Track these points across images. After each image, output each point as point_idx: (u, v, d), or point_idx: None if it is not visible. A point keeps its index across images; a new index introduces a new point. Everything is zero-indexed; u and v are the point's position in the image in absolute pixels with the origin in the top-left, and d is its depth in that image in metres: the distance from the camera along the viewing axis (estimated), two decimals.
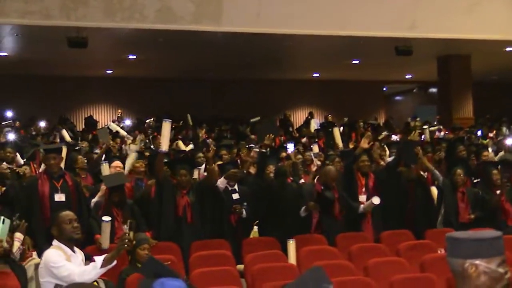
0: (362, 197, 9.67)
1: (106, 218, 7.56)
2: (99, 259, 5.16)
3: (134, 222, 5.64)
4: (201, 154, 11.54)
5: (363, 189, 9.74)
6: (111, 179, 8.81)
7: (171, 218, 8.88)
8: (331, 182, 9.36)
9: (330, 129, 15.14)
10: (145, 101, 24.32)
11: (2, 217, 4.94)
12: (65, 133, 14.36)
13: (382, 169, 10.35)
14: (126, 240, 5.24)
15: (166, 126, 8.92)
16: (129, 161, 10.20)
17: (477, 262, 2.89)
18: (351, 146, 13.90)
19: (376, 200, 9.16)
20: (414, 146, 10.79)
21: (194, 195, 9.04)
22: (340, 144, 13.02)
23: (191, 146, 14.53)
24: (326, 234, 9.21)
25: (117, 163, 9.69)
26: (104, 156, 11.13)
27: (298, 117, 27.25)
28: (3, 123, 17.49)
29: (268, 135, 10.00)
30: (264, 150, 10.11)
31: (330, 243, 8.99)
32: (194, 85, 24.44)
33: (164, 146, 8.91)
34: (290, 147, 12.94)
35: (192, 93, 24.29)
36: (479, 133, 18.33)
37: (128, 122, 19.67)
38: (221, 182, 9.44)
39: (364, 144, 10.00)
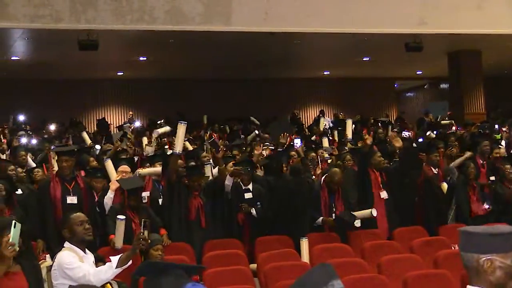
0: (384, 193, 9.63)
1: (121, 217, 7.57)
2: (114, 259, 5.14)
3: (148, 222, 5.61)
4: (205, 154, 11.55)
5: (380, 185, 9.67)
6: (128, 182, 8.78)
7: (183, 221, 8.89)
8: (334, 186, 9.34)
9: (340, 128, 15.13)
10: (156, 102, 24.33)
11: (14, 221, 4.93)
12: (85, 136, 14.35)
13: (392, 168, 10.27)
14: (141, 240, 5.22)
15: (181, 128, 8.92)
16: (151, 171, 10.08)
17: (493, 257, 2.85)
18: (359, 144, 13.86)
19: (374, 213, 9.08)
20: (416, 152, 10.76)
21: (205, 196, 9.06)
22: (350, 135, 13.03)
23: None
24: (339, 232, 9.21)
25: (124, 167, 9.62)
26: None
27: (309, 116, 27.21)
28: (5, 124, 17.50)
29: (282, 134, 9.93)
30: (280, 149, 10.03)
31: (343, 240, 8.96)
32: (204, 85, 24.46)
33: (178, 148, 8.92)
34: (297, 142, 12.93)
35: (203, 93, 24.30)
36: (496, 126, 18.24)
37: (137, 123, 19.68)
38: (228, 180, 9.43)
39: (368, 140, 9.97)
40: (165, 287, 3.04)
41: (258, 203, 9.50)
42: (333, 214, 9.25)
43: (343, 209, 9.33)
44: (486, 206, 9.76)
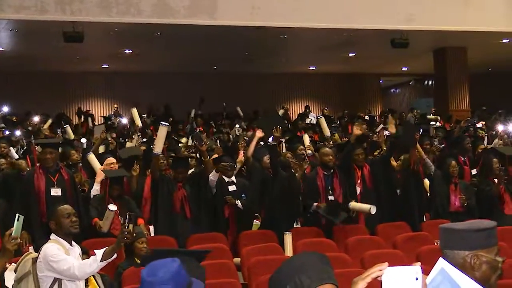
0: (357, 188, 9.62)
1: (112, 208, 7.63)
2: (99, 253, 5.13)
3: (133, 215, 5.61)
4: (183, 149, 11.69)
5: (359, 181, 9.67)
6: (113, 171, 8.87)
7: (168, 214, 8.93)
8: (329, 162, 9.34)
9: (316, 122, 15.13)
10: (142, 95, 24.21)
11: (17, 214, 4.94)
12: (69, 130, 14.36)
13: (377, 160, 10.29)
14: (126, 233, 5.21)
15: (162, 130, 9.11)
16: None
17: (479, 252, 2.88)
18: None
19: (373, 210, 9.05)
20: (414, 129, 10.77)
21: (189, 187, 9.10)
22: (327, 134, 13.01)
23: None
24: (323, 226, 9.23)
25: (111, 159, 9.65)
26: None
27: (295, 111, 27.21)
28: None
29: (276, 128, 9.85)
30: (275, 143, 9.94)
31: (327, 235, 8.98)
32: (191, 79, 24.39)
33: (158, 148, 9.04)
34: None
35: (189, 87, 24.22)
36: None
37: (125, 120, 19.59)
38: (213, 175, 9.45)
39: (357, 131, 9.91)
40: None
41: (243, 195, 9.52)
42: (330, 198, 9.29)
43: (341, 191, 9.33)
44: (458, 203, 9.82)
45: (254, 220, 9.71)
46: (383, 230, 9.23)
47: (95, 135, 13.80)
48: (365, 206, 9.13)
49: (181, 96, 23.32)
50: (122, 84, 24.89)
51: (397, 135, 10.82)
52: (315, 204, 9.25)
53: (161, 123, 9.34)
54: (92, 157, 9.76)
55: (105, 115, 23.18)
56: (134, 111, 14.82)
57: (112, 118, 20.48)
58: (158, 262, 2.91)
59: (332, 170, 9.42)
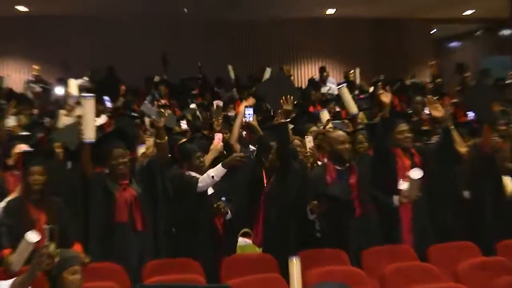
0: (404, 185, 9.50)
1: (33, 237, 7.28)
2: (4, 285, 5.06)
3: (56, 228, 5.51)
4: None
5: (406, 173, 9.50)
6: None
7: (108, 225, 8.72)
8: (343, 152, 9.29)
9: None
10: (76, 50, 24.03)
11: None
12: None
13: (430, 147, 10.18)
14: (45, 257, 5.12)
15: (89, 105, 8.84)
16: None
17: None
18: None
19: (415, 174, 9.00)
20: (491, 96, 10.75)
21: (139, 185, 8.91)
22: (352, 110, 12.83)
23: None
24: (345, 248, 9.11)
25: (21, 146, 9.82)
26: None
27: (305, 75, 27.16)
28: None
29: (284, 98, 9.41)
30: (284, 120, 9.54)
31: (353, 261, 8.89)
32: (149, 27, 24.32)
33: (90, 133, 8.77)
34: (249, 112, 13.05)
35: (147, 39, 24.12)
36: None
37: (60, 91, 19.60)
38: (219, 172, 9.27)
39: (386, 98, 9.72)
40: None
41: (224, 198, 9.42)
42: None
43: (360, 190, 9.27)
44: None
45: (243, 239, 9.61)
46: (438, 253, 9.15)
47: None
48: (409, 183, 9.22)
49: (135, 54, 23.25)
50: (46, 35, 24.68)
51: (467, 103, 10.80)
52: (308, 208, 9.11)
53: (83, 96, 9.23)
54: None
55: (19, 79, 23.18)
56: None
57: (35, 85, 20.37)
58: None
59: (347, 164, 9.39)
